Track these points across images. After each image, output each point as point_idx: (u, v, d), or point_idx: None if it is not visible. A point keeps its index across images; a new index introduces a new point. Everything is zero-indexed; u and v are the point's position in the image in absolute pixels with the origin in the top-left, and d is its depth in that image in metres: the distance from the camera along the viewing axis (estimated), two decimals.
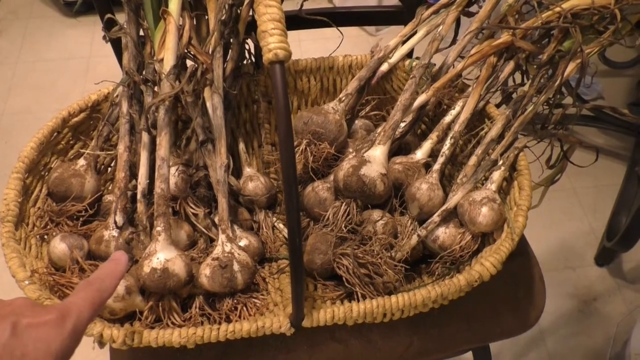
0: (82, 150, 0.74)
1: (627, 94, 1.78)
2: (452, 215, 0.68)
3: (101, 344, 0.57)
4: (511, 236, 0.63)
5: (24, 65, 1.89)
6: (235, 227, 0.71)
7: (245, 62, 0.80)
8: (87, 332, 0.55)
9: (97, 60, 1.90)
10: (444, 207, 0.67)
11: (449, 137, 0.72)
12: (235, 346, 0.66)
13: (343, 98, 0.75)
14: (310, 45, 1.47)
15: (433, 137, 0.73)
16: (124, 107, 0.71)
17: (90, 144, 0.74)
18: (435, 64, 0.78)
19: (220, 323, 0.61)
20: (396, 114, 0.71)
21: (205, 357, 0.66)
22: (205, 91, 0.71)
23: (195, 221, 0.69)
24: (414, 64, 0.79)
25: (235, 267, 0.63)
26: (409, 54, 0.81)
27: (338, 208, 0.67)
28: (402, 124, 0.75)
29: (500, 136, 0.71)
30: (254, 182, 0.76)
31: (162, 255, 0.60)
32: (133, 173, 0.70)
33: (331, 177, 0.71)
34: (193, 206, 0.69)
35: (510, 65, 0.75)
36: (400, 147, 0.78)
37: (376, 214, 0.68)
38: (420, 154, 0.73)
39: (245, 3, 0.73)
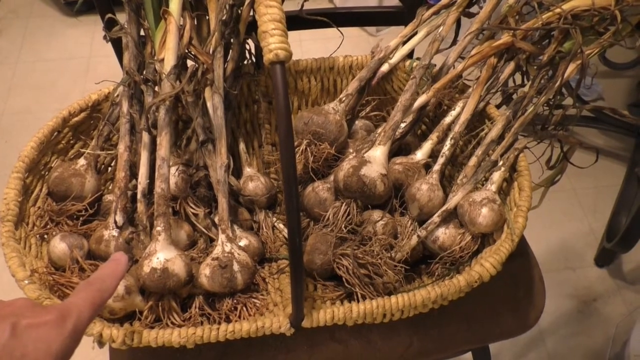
0: (83, 150, 0.74)
1: (627, 95, 1.78)
2: (452, 216, 0.68)
3: (101, 343, 0.57)
4: (511, 237, 0.63)
5: (24, 65, 1.88)
6: (235, 227, 0.71)
7: (245, 62, 0.80)
8: (87, 332, 0.54)
9: (98, 60, 1.90)
10: (444, 208, 0.67)
11: (449, 138, 0.72)
12: (235, 346, 0.66)
13: (343, 98, 0.75)
14: (310, 46, 1.47)
15: (433, 137, 0.73)
16: (125, 106, 0.71)
17: (90, 143, 0.74)
18: (435, 65, 0.78)
19: (220, 323, 0.61)
20: (396, 114, 0.71)
21: (205, 357, 0.66)
22: (205, 91, 0.71)
23: (195, 221, 0.69)
24: (415, 64, 0.79)
25: (235, 267, 0.63)
26: (410, 55, 0.81)
27: (338, 208, 0.67)
28: (403, 125, 0.75)
29: (501, 137, 0.72)
30: (254, 182, 0.76)
31: (162, 255, 0.60)
32: (133, 173, 0.70)
33: (331, 178, 0.71)
34: (193, 206, 0.69)
35: (511, 66, 0.75)
36: (400, 148, 0.78)
37: (376, 214, 0.68)
38: (421, 154, 0.73)
39: (246, 3, 0.73)
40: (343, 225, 0.66)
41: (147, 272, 0.59)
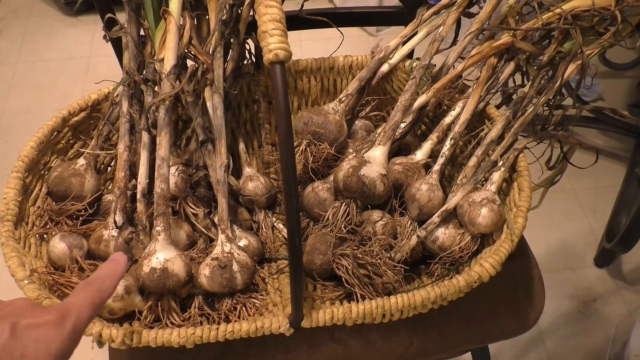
0: (82, 150, 0.74)
1: (627, 96, 1.78)
2: (452, 216, 0.68)
3: (100, 343, 0.57)
4: (511, 237, 0.63)
5: (24, 65, 1.88)
6: (235, 227, 0.71)
7: (245, 62, 0.80)
8: (87, 332, 0.54)
9: (98, 59, 1.90)
10: (443, 208, 0.67)
11: (449, 138, 0.72)
12: (235, 346, 0.66)
13: (343, 98, 0.75)
14: (310, 46, 1.47)
15: (433, 137, 0.73)
16: (124, 106, 0.71)
17: (90, 143, 0.74)
18: (435, 65, 0.78)
19: (219, 323, 0.61)
20: (396, 114, 0.71)
21: (204, 357, 0.66)
22: (205, 91, 0.71)
23: (194, 221, 0.69)
24: (415, 64, 0.79)
25: (235, 267, 0.63)
26: (410, 55, 0.81)
27: (338, 208, 0.67)
28: (402, 125, 0.75)
29: (500, 137, 0.71)
30: (253, 182, 0.76)
31: (161, 255, 0.60)
32: (133, 173, 0.70)
33: (331, 178, 0.71)
34: (193, 206, 0.69)
35: (511, 66, 0.75)
36: (400, 148, 0.78)
37: (376, 214, 0.68)
38: (420, 154, 0.73)
39: (246, 3, 0.73)
40: (343, 226, 0.66)
41: (146, 272, 0.59)
